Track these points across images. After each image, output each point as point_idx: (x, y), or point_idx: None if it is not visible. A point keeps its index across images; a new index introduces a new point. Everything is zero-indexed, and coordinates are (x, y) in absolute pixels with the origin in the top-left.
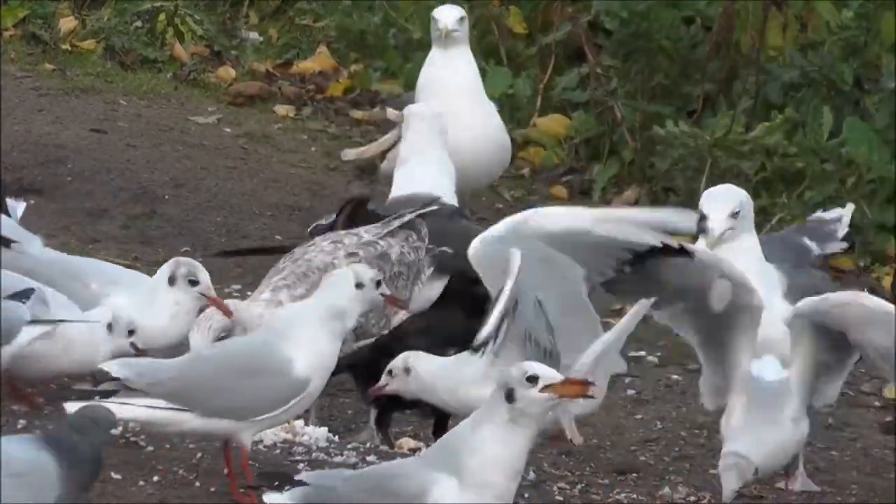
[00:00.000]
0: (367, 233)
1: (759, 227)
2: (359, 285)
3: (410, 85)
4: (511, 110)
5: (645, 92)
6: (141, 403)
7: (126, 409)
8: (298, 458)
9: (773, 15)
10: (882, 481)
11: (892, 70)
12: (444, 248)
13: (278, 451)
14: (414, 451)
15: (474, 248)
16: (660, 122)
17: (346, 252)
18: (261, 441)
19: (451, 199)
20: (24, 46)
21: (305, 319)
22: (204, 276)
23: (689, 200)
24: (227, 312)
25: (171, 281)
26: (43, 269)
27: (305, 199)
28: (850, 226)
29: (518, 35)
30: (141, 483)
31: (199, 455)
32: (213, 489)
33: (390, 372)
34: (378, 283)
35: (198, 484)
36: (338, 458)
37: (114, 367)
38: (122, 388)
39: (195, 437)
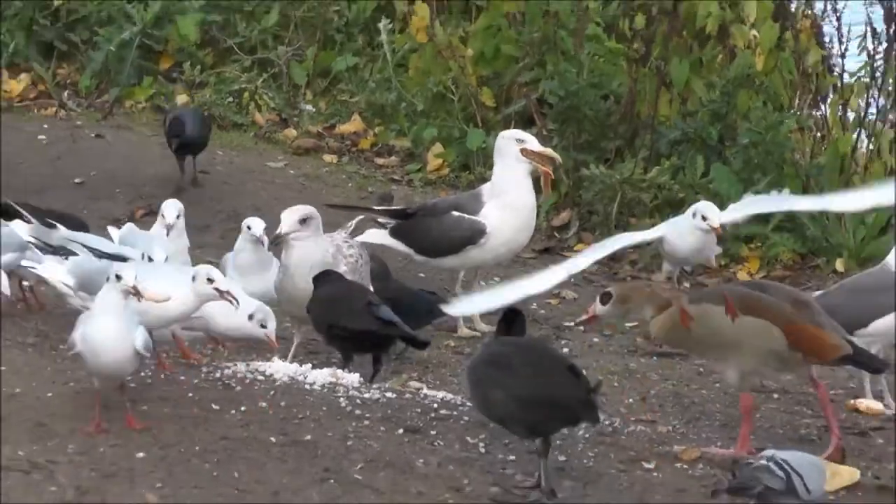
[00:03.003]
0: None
1: None
2: (193, 278)
3: (416, 140)
4: (485, 159)
5: (575, 146)
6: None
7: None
8: (340, 394)
9: (663, 93)
10: (735, 411)
11: (744, 131)
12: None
13: (326, 389)
14: (417, 389)
15: None
16: (585, 166)
17: (346, 250)
18: (314, 382)
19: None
20: (152, 114)
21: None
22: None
23: (606, 220)
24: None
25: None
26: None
27: (345, 218)
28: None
29: (489, 106)
30: (232, 412)
31: (271, 393)
32: (282, 416)
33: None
34: (209, 280)
35: (271, 412)
36: (366, 395)
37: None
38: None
39: None
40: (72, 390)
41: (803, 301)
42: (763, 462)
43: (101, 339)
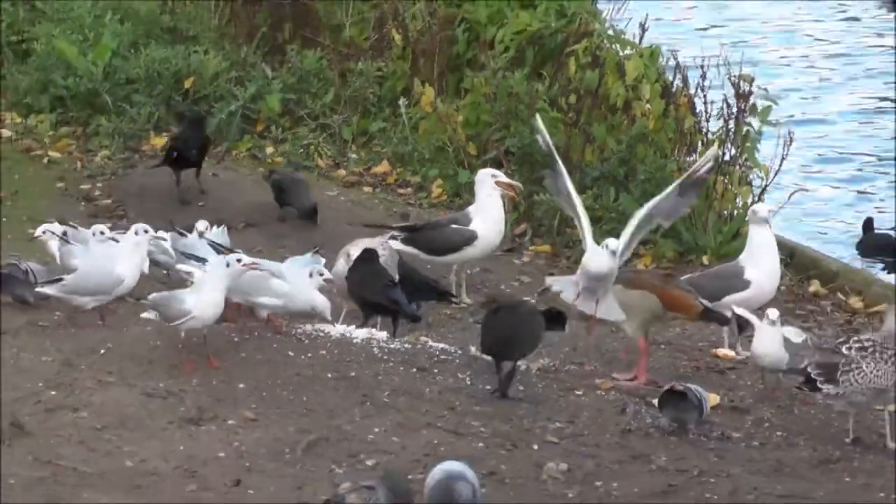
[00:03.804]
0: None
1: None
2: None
3: (424, 177)
4: (470, 190)
5: (529, 180)
6: None
7: None
8: (373, 345)
9: (587, 146)
10: (635, 356)
11: (641, 171)
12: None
13: (364, 342)
14: (425, 342)
15: None
16: (536, 194)
17: (380, 250)
18: (357, 337)
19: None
20: (250, 161)
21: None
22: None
23: (550, 230)
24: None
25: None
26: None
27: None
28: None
29: (473, 155)
30: (302, 357)
31: (328, 344)
32: (335, 360)
33: None
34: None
35: (328, 357)
36: (391, 346)
37: None
38: None
39: None
40: (193, 343)
41: (670, 276)
42: (681, 387)
43: (213, 307)
